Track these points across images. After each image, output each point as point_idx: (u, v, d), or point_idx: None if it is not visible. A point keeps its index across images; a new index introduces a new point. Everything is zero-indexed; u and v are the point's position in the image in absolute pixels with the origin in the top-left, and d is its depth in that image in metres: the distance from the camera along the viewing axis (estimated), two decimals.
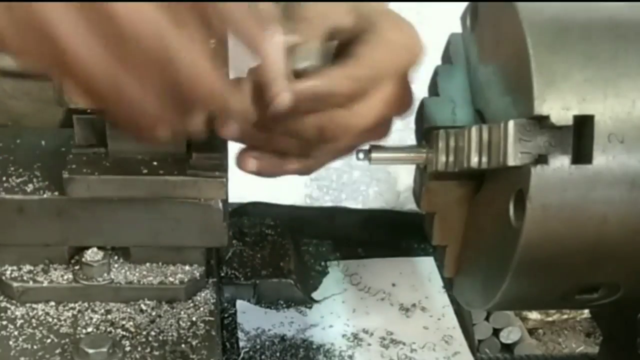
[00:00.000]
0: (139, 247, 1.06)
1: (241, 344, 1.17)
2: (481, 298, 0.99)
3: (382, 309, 1.29)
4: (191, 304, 1.06)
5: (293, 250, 1.33)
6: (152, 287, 1.05)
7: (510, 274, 0.89)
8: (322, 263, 1.37)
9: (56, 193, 1.02)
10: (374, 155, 1.04)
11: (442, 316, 1.28)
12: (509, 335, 2.82)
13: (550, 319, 2.88)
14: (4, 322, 1.01)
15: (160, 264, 1.07)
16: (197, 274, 1.07)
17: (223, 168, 1.02)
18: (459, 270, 1.06)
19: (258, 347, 1.17)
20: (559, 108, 0.85)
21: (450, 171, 0.99)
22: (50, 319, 1.02)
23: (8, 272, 1.05)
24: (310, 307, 1.27)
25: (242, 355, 1.16)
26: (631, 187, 0.86)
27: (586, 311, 2.46)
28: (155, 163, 1.02)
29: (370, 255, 1.38)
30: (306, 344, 1.19)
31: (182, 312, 1.04)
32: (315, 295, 1.30)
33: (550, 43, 0.87)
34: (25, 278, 1.04)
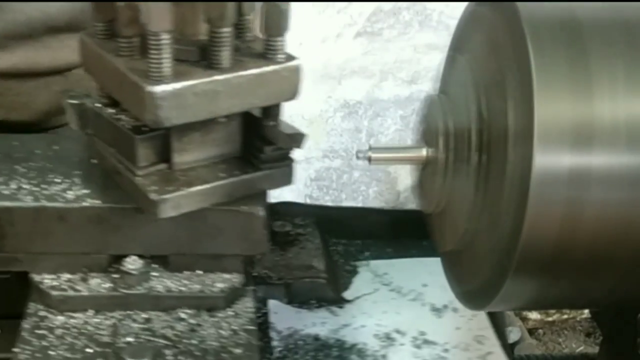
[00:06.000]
0: (178, 255, 1.05)
1: (274, 343, 1.17)
2: (481, 298, 0.99)
3: (414, 310, 1.29)
4: (231, 313, 1.05)
5: (323, 250, 1.33)
6: (192, 295, 1.04)
7: (510, 274, 0.89)
8: (352, 263, 1.37)
9: (97, 201, 1.01)
10: (374, 155, 1.05)
11: (474, 316, 1.28)
12: (509, 335, 2.83)
13: (550, 319, 2.88)
14: (44, 332, 1.00)
15: (199, 272, 1.06)
16: (237, 282, 1.06)
17: (290, 157, 1.05)
18: (459, 270, 1.06)
19: (291, 346, 1.17)
20: (558, 108, 0.84)
21: (450, 171, 1.00)
22: (90, 328, 1.01)
23: (47, 281, 1.03)
24: (341, 307, 1.28)
25: (275, 355, 1.15)
26: (631, 187, 0.86)
27: (586, 311, 2.47)
28: (223, 166, 1.02)
29: (399, 255, 1.38)
30: (339, 344, 1.20)
31: (222, 321, 1.03)
32: (346, 295, 1.30)
33: (550, 43, 0.87)
34: (64, 287, 1.03)
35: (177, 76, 0.93)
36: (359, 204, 2.47)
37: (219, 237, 1.03)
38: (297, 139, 1.02)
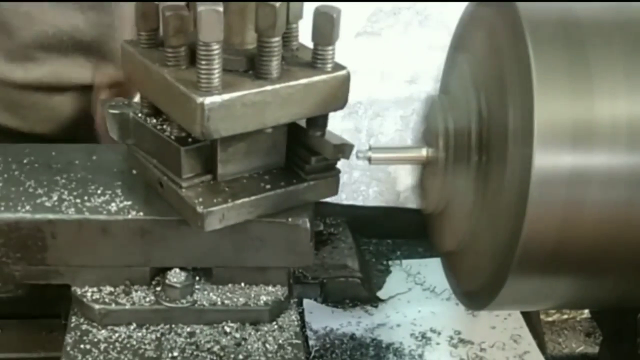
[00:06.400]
0: (222, 267, 1.03)
1: (310, 342, 1.16)
2: (481, 298, 0.99)
3: (448, 309, 1.28)
4: (276, 326, 1.03)
5: (356, 250, 1.32)
6: (236, 308, 1.02)
7: (510, 274, 0.89)
8: (384, 262, 1.36)
9: (140, 213, 0.99)
10: (374, 155, 1.05)
11: (509, 315, 1.28)
12: None
13: (550, 319, 2.87)
14: (88, 346, 0.98)
15: (243, 284, 1.04)
16: (281, 295, 1.04)
17: (336, 168, 1.03)
18: (459, 270, 1.06)
19: (328, 345, 1.17)
20: (559, 108, 0.84)
21: (450, 171, 1.00)
22: (134, 342, 0.99)
23: (89, 294, 1.01)
24: (376, 306, 1.27)
25: (312, 354, 1.15)
26: (631, 187, 0.86)
27: (586, 311, 2.48)
28: (267, 177, 1.00)
29: (431, 254, 1.37)
30: (375, 343, 1.20)
31: (268, 335, 1.01)
32: (380, 294, 1.29)
33: (550, 43, 0.86)
34: (106, 300, 1.01)
35: (226, 87, 0.90)
36: (359, 203, 2.47)
37: (264, 249, 1.01)
38: (344, 149, 1.00)
